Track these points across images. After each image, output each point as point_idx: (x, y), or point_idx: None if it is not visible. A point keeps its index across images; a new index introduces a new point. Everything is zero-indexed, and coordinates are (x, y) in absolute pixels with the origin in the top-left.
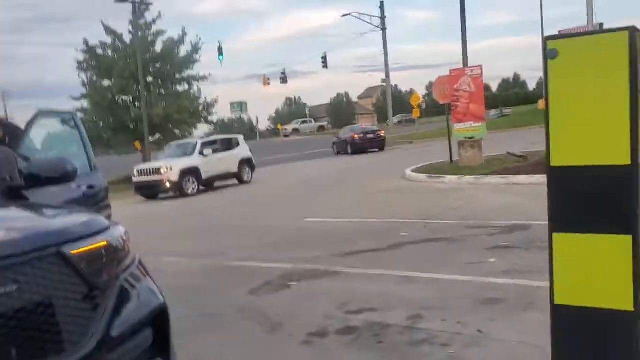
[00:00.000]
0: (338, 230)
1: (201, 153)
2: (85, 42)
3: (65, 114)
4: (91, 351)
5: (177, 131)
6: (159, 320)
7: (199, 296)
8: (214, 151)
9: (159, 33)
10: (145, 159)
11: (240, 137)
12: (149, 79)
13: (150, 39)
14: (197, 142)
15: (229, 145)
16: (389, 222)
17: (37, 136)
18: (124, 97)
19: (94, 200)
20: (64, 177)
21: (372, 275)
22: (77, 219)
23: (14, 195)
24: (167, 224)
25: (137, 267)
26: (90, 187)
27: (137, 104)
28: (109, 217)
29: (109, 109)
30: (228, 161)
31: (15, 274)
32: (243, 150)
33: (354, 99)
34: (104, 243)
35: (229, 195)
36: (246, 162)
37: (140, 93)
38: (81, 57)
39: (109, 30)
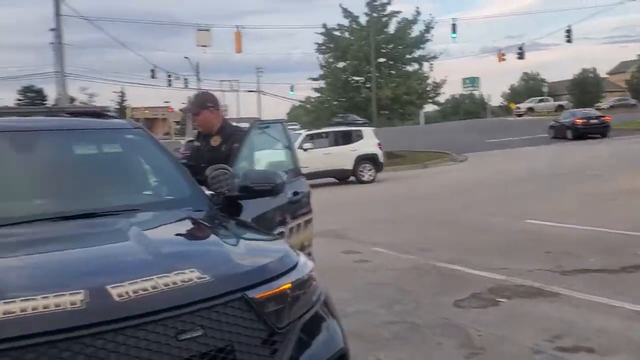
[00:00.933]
0: (561, 238)
1: (301, 147)
2: (324, 26)
3: (276, 123)
4: None
5: (401, 111)
6: None
7: (401, 298)
8: (323, 145)
9: (393, 14)
10: None
11: (367, 130)
12: (381, 59)
13: (384, 20)
14: (301, 134)
15: (347, 138)
16: (629, 235)
17: (250, 146)
18: (356, 78)
19: (298, 206)
20: (274, 189)
21: (596, 303)
22: (267, 256)
23: (231, 204)
24: None
25: (321, 306)
26: (295, 193)
27: (367, 84)
28: (309, 222)
29: (342, 89)
30: (339, 157)
31: (202, 319)
32: (365, 145)
33: (603, 74)
34: (289, 285)
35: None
36: (368, 159)
37: (371, 74)
38: (320, 39)
39: (346, 12)
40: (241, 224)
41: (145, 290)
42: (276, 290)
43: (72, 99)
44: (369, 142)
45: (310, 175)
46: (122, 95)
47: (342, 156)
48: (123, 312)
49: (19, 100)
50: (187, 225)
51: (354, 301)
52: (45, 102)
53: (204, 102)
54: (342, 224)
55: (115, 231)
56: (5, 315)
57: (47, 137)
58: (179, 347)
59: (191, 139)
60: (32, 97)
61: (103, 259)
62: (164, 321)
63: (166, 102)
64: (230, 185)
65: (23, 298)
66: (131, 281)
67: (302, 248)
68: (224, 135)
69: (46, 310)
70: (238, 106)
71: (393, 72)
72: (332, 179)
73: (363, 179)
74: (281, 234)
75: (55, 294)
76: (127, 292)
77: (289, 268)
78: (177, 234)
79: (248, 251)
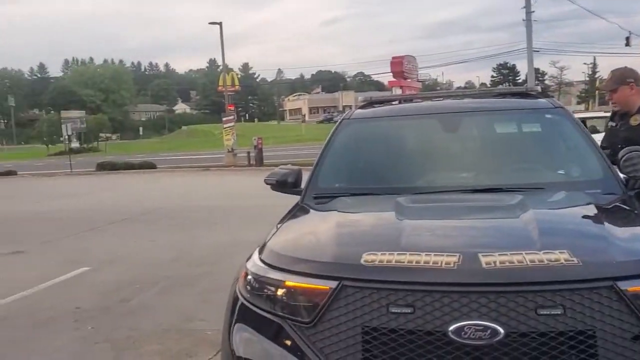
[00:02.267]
0: None
1: None
2: None
3: None
4: None
5: None
6: None
7: None
8: None
9: None
10: None
11: None
12: None
13: None
14: None
15: None
16: None
17: None
18: None
19: None
20: None
21: None
22: None
23: None
24: None
25: None
26: None
27: None
28: None
29: None
30: None
31: (564, 299)
32: None
33: None
34: None
35: None
36: None
37: None
38: None
39: None
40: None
41: (511, 262)
42: None
43: (542, 73)
44: None
45: None
46: (594, 66)
47: None
48: (487, 278)
49: (493, 77)
50: (580, 208)
51: None
52: (517, 78)
53: (623, 78)
54: None
55: (509, 207)
56: (397, 263)
57: (472, 118)
58: (536, 319)
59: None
60: (505, 74)
61: (485, 230)
62: (525, 294)
63: None
64: None
65: (412, 252)
66: (501, 253)
67: None
68: None
69: (426, 265)
70: None
71: None
72: None
73: None
74: None
75: (437, 252)
76: (494, 262)
77: None
78: (565, 215)
79: (635, 242)
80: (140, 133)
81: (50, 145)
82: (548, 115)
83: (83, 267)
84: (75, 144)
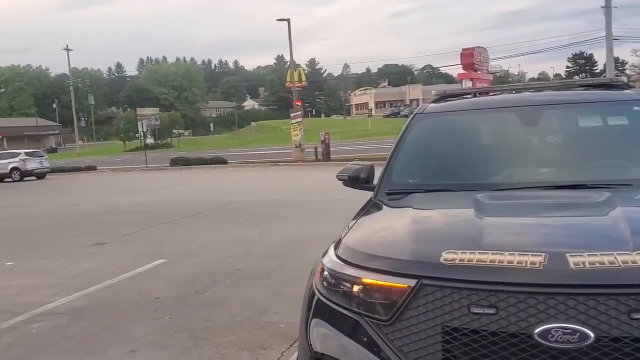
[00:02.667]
0: None
1: None
2: None
3: None
4: None
5: None
6: None
7: None
8: None
9: None
10: None
11: None
12: None
13: None
14: None
15: None
16: None
17: None
18: None
19: None
20: None
21: None
22: None
23: None
24: None
25: None
26: None
27: None
28: None
29: None
30: None
31: None
32: None
33: None
34: None
35: None
36: None
37: None
38: None
39: None
40: None
41: (602, 264)
42: None
43: (622, 62)
44: None
45: None
46: None
47: None
48: (576, 279)
49: (568, 67)
50: None
51: None
52: (595, 68)
53: None
54: None
55: (596, 204)
56: (479, 263)
57: (553, 111)
58: (630, 324)
59: None
60: (582, 64)
61: (572, 229)
62: (617, 297)
63: None
64: None
65: (494, 252)
66: (590, 253)
67: None
68: None
69: (510, 265)
70: None
71: None
72: None
73: None
74: None
75: (521, 252)
76: (584, 263)
77: None
78: None
79: None
80: (212, 129)
81: (127, 142)
82: (637, 108)
83: (161, 259)
84: (150, 141)
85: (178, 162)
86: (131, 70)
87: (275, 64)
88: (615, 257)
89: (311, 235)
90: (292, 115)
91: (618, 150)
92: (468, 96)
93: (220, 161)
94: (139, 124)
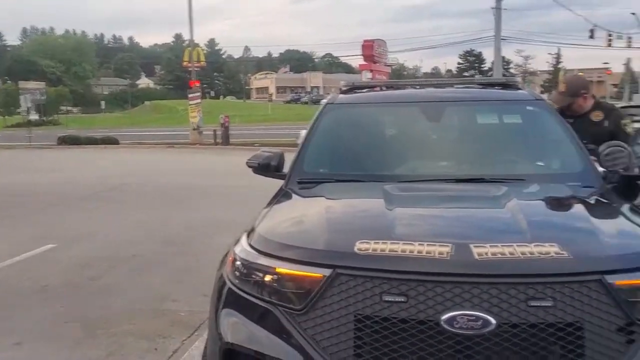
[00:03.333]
0: None
1: None
2: None
3: None
4: None
5: None
6: None
7: None
8: None
9: None
10: None
11: None
12: None
13: None
14: None
15: None
16: None
17: None
18: None
19: None
20: None
21: None
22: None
23: (628, 183)
24: None
25: None
26: None
27: None
28: None
29: None
30: None
31: (554, 291)
32: None
33: None
34: None
35: None
36: None
37: None
38: None
39: None
40: (631, 208)
41: (503, 254)
42: (637, 281)
43: (507, 62)
44: None
45: None
46: (558, 57)
47: None
48: (479, 269)
49: (459, 64)
50: (564, 200)
51: None
52: (482, 65)
53: (577, 90)
54: None
55: (494, 197)
56: (391, 252)
57: (455, 107)
58: (527, 311)
59: (626, 104)
60: (472, 61)
61: (475, 221)
62: (516, 285)
63: (605, 63)
64: (627, 163)
65: (405, 242)
66: (493, 244)
67: None
68: (605, 110)
69: (419, 254)
70: None
71: None
72: None
73: None
74: None
75: (429, 242)
76: (486, 253)
77: None
78: (550, 207)
79: (621, 236)
80: (102, 107)
81: (7, 117)
82: (529, 107)
83: (50, 243)
84: (34, 116)
85: (66, 141)
86: (12, 39)
87: (173, 42)
88: (514, 248)
89: (212, 219)
90: (189, 96)
91: (512, 146)
92: (376, 89)
93: (112, 141)
94: (22, 98)
